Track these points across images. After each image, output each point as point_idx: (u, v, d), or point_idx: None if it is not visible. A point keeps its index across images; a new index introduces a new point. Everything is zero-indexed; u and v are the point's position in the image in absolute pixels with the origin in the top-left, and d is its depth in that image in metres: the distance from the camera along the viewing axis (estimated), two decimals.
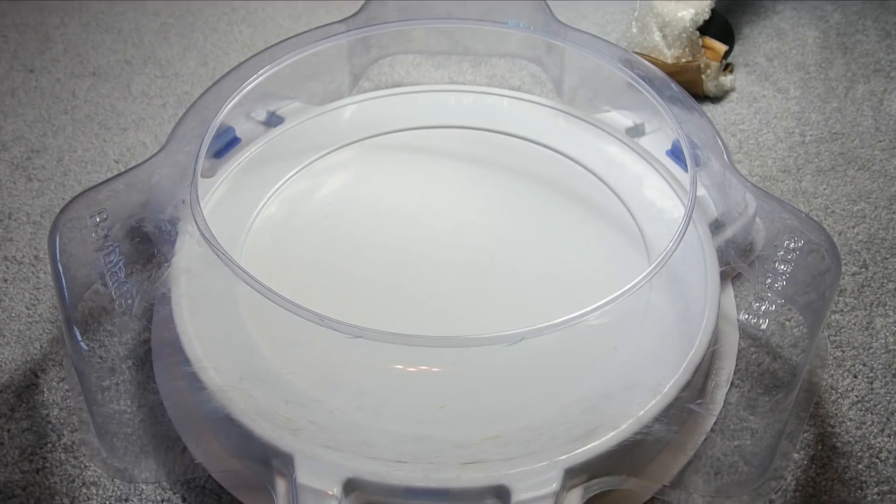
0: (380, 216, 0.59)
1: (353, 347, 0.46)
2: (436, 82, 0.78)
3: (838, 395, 0.54)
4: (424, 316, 0.52)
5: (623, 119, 0.66)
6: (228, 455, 0.49)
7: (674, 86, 0.60)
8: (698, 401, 0.52)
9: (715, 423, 0.52)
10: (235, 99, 0.58)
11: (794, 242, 0.52)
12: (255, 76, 0.60)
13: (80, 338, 0.50)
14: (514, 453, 0.44)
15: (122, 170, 0.55)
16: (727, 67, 0.78)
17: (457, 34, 0.72)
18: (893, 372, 0.55)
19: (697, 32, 0.75)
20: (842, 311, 0.59)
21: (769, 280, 0.52)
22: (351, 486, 0.44)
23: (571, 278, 0.55)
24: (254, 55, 0.62)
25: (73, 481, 0.49)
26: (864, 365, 0.55)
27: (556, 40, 0.66)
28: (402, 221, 0.58)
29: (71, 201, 0.51)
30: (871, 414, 0.53)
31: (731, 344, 0.55)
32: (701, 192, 0.58)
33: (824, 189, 0.68)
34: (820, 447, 0.51)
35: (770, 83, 0.78)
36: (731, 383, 0.54)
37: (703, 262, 0.54)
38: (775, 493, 0.49)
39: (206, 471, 0.49)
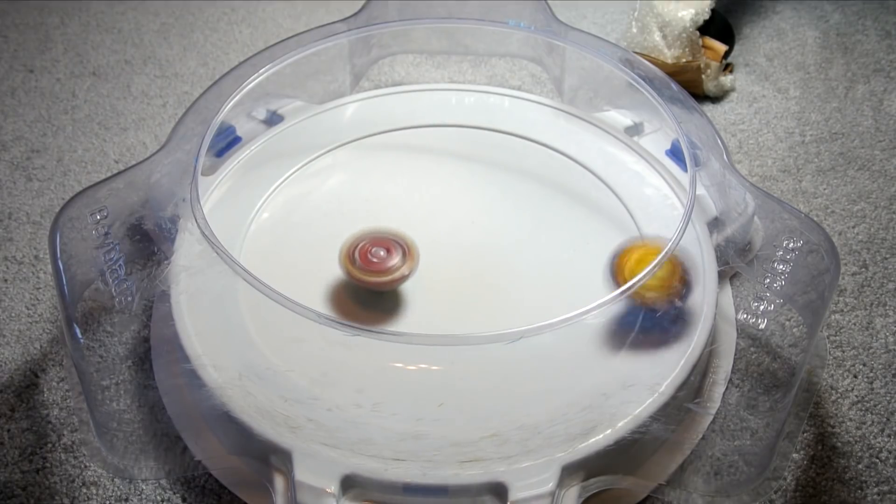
0: (379, 214, 0.59)
1: (351, 345, 0.46)
2: (436, 82, 0.78)
3: (838, 395, 0.54)
4: (423, 314, 0.52)
5: (622, 118, 0.66)
6: (228, 452, 0.49)
7: (674, 86, 0.60)
8: (696, 400, 0.52)
9: (714, 423, 0.52)
10: (236, 97, 0.58)
11: (794, 242, 0.52)
12: (256, 75, 0.60)
13: (80, 336, 0.50)
14: (512, 451, 0.44)
15: (122, 169, 0.55)
16: (727, 67, 0.78)
17: (457, 34, 0.72)
18: (893, 372, 0.55)
19: (697, 32, 0.75)
20: (842, 311, 0.59)
21: (768, 280, 0.52)
22: (349, 482, 0.44)
23: (570, 277, 0.55)
24: (254, 55, 0.62)
25: (73, 481, 0.49)
26: (864, 365, 0.55)
27: (557, 40, 0.66)
28: (401, 220, 0.58)
29: (71, 199, 0.51)
30: (871, 414, 0.53)
31: (729, 343, 0.55)
32: (700, 191, 0.58)
33: (824, 189, 0.68)
34: (820, 447, 0.51)
35: (770, 83, 0.78)
36: (731, 383, 0.54)
37: (701, 261, 0.54)
38: (775, 492, 0.49)
39: (206, 468, 0.49)
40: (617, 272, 0.53)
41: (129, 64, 0.81)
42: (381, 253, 0.51)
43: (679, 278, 0.52)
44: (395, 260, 0.51)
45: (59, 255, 0.49)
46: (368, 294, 0.53)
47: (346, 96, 0.68)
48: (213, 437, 0.50)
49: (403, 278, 0.51)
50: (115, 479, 0.49)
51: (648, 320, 0.50)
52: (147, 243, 0.54)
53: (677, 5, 0.75)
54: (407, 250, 0.52)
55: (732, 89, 0.77)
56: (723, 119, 0.74)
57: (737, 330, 0.56)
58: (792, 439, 0.49)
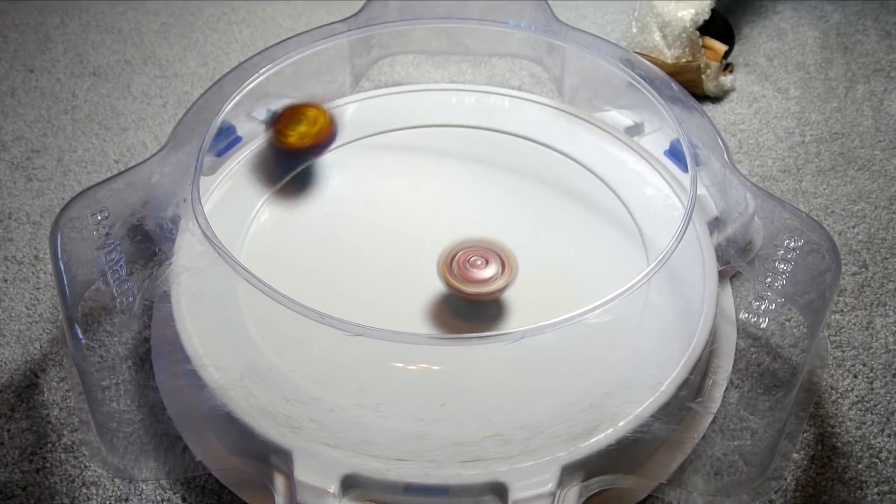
0: (380, 214, 0.59)
1: (353, 345, 0.46)
2: (436, 82, 0.78)
3: (838, 395, 0.54)
4: (425, 314, 0.52)
5: (622, 118, 0.66)
6: (229, 453, 0.49)
7: (674, 85, 0.60)
8: (697, 399, 0.52)
9: (715, 423, 0.52)
10: (237, 98, 0.58)
11: (795, 242, 0.52)
12: (256, 75, 0.60)
13: (81, 336, 0.50)
14: (514, 451, 0.44)
15: (123, 169, 0.55)
16: (727, 67, 0.78)
17: (457, 34, 0.72)
18: (893, 372, 0.55)
19: (697, 32, 0.75)
20: (842, 311, 0.59)
21: (769, 279, 0.52)
22: (349, 482, 0.44)
23: (571, 277, 0.55)
24: (254, 55, 0.62)
25: (73, 481, 0.49)
26: (864, 365, 0.56)
27: (557, 40, 0.66)
28: (402, 220, 0.58)
29: (72, 200, 0.51)
30: (871, 414, 0.53)
31: (730, 342, 0.55)
32: (700, 191, 0.58)
33: (824, 189, 0.68)
34: (820, 447, 0.51)
35: (770, 83, 0.78)
36: (731, 383, 0.54)
37: (701, 260, 0.54)
38: (775, 492, 0.49)
39: (207, 469, 0.49)
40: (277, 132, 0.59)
41: (129, 64, 0.81)
42: (479, 262, 0.51)
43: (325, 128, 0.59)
44: (493, 271, 0.51)
45: (59, 255, 0.49)
46: (369, 293, 0.53)
47: (347, 96, 0.68)
48: (213, 438, 0.50)
49: (501, 290, 0.51)
50: (115, 479, 0.49)
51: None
52: (148, 244, 0.54)
53: (677, 5, 0.75)
54: (505, 260, 0.51)
55: (732, 89, 0.77)
56: (723, 119, 0.75)
57: (737, 330, 0.56)
58: (792, 439, 0.49)
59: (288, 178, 0.61)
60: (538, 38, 0.69)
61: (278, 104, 0.66)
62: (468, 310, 0.52)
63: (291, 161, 0.60)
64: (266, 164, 0.60)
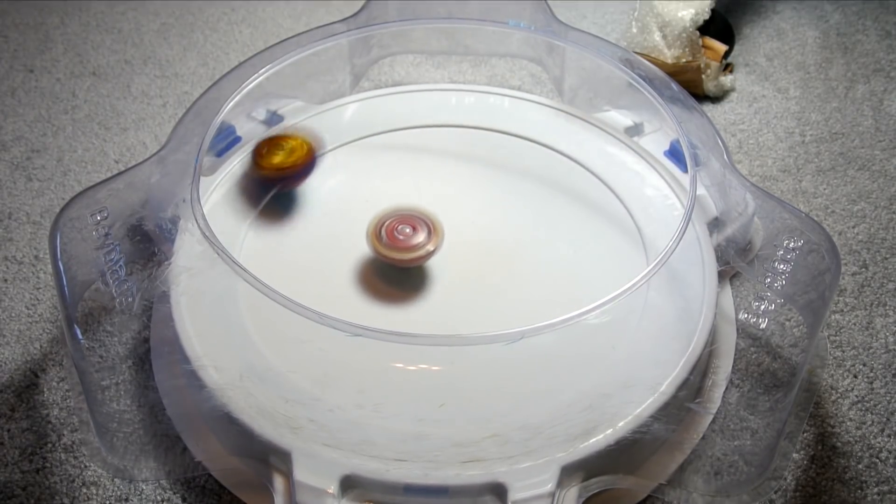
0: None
1: (352, 346, 0.46)
2: (436, 82, 0.78)
3: (838, 395, 0.54)
4: (424, 314, 0.52)
5: (622, 118, 0.66)
6: (228, 453, 0.49)
7: (674, 85, 0.60)
8: (696, 399, 0.52)
9: (715, 423, 0.52)
10: (236, 98, 0.58)
11: (794, 242, 0.52)
12: (255, 75, 0.60)
13: (80, 336, 0.50)
14: (513, 452, 0.44)
15: (123, 169, 0.55)
16: (727, 67, 0.78)
17: (457, 34, 0.72)
18: (893, 372, 0.55)
19: (697, 32, 0.75)
20: (842, 311, 0.59)
21: (769, 279, 0.52)
22: (349, 483, 0.44)
23: (570, 277, 0.55)
24: (254, 55, 0.62)
25: (73, 481, 0.49)
26: (864, 365, 0.56)
27: (557, 40, 0.66)
28: None
29: (71, 200, 0.51)
30: (871, 414, 0.53)
31: (730, 343, 0.55)
32: (700, 191, 0.58)
33: (824, 189, 0.68)
34: (820, 447, 0.51)
35: (770, 83, 0.78)
36: (731, 383, 0.54)
37: (701, 261, 0.54)
38: (775, 492, 0.49)
39: (206, 469, 0.49)
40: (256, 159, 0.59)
41: (129, 64, 0.81)
42: (407, 230, 0.53)
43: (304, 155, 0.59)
44: (421, 237, 0.53)
45: (59, 255, 0.49)
46: (368, 293, 0.53)
47: (346, 96, 0.68)
48: (213, 438, 0.50)
49: (428, 255, 0.53)
50: (115, 479, 0.49)
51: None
52: (147, 244, 0.54)
53: (677, 5, 0.75)
54: (432, 228, 0.54)
55: (732, 89, 0.77)
56: (723, 119, 0.74)
57: (737, 330, 0.56)
58: (792, 439, 0.49)
59: (266, 200, 0.60)
60: (538, 38, 0.69)
61: (280, 104, 0.66)
62: (476, 316, 0.53)
63: (268, 188, 0.60)
64: (247, 189, 0.60)
